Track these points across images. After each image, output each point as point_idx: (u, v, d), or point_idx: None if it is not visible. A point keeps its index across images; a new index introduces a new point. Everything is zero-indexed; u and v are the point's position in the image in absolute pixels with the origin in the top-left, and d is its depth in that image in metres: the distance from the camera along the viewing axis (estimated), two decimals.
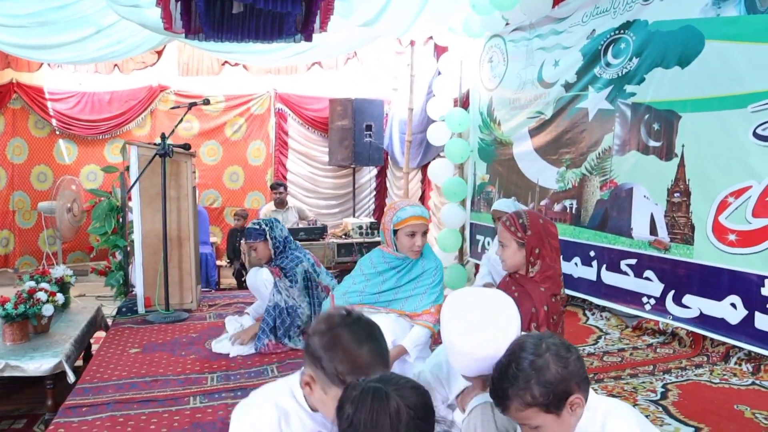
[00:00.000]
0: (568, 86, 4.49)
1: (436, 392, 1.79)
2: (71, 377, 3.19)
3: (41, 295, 3.52)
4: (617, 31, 4.01)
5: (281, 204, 6.79)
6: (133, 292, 4.51)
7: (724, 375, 3.02)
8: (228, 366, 3.20)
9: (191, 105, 4.46)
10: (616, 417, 1.38)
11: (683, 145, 3.51)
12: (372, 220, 6.43)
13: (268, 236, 3.57)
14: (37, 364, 3.07)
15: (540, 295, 2.29)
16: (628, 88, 3.92)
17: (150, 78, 7.06)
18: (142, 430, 2.44)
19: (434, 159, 6.62)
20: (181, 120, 4.41)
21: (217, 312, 4.29)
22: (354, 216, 7.69)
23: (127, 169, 4.62)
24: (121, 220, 4.75)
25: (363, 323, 1.47)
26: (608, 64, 4.10)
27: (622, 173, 4.01)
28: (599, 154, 4.21)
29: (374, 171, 8.09)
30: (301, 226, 6.54)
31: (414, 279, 2.87)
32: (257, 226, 3.60)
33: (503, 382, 1.40)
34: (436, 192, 6.63)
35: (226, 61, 6.31)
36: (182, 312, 4.19)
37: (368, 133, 7.19)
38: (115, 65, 6.24)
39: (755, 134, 3.06)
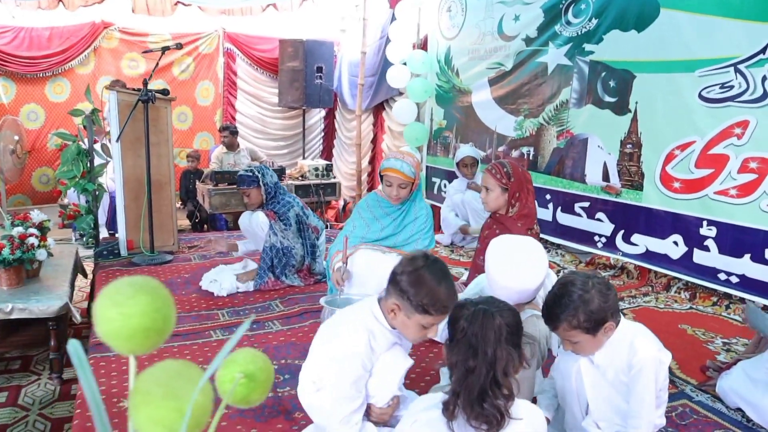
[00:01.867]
0: (528, 41, 4.89)
1: None
2: (78, 317, 3.41)
3: (33, 240, 3.65)
4: None
5: (232, 146, 6.92)
6: (115, 236, 4.65)
7: (667, 302, 3.64)
8: (233, 303, 3.50)
9: (164, 49, 4.51)
10: (641, 335, 1.85)
11: (636, 102, 4.01)
12: (327, 162, 6.70)
13: (260, 182, 3.79)
14: (44, 306, 3.24)
15: (518, 230, 2.86)
16: (587, 47, 4.36)
17: (92, 14, 6.87)
18: (181, 359, 2.73)
19: (384, 101, 6.94)
20: (157, 65, 4.47)
21: (200, 254, 4.52)
22: (303, 157, 7.92)
23: (93, 112, 4.68)
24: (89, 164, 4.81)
25: (439, 265, 1.87)
26: (568, 23, 4.51)
27: (578, 124, 4.50)
28: (557, 106, 4.67)
29: (322, 113, 8.29)
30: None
31: (409, 224, 3.23)
32: (250, 173, 3.80)
33: (556, 308, 1.83)
34: (389, 135, 6.97)
35: (179, 1, 6.26)
36: (166, 254, 4.40)
37: (319, 74, 7.36)
38: (60, 1, 6.06)
39: (701, 96, 3.58)
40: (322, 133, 8.40)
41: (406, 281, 1.82)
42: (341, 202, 7.36)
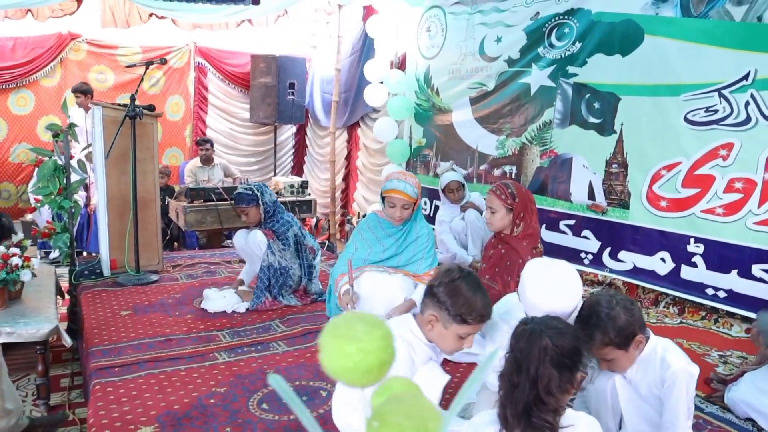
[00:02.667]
0: (511, 62, 5.04)
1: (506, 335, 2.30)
2: (68, 341, 3.32)
3: (16, 261, 3.54)
4: (561, 17, 4.58)
5: (207, 161, 6.86)
6: (95, 255, 4.54)
7: (658, 316, 3.79)
8: (231, 324, 3.47)
9: (148, 64, 4.47)
10: (671, 352, 1.96)
11: (622, 123, 4.18)
12: (302, 179, 6.70)
13: (260, 201, 3.75)
14: (33, 330, 3.15)
15: (524, 249, 2.96)
16: (571, 69, 4.52)
17: (59, 26, 6.73)
18: (191, 383, 2.70)
19: (360, 118, 7.00)
20: (142, 80, 4.40)
21: (186, 273, 4.46)
22: (275, 173, 7.90)
23: (70, 126, 4.58)
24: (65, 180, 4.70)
25: (473, 277, 1.97)
26: (552, 45, 4.67)
27: (561, 144, 4.65)
28: (540, 126, 4.82)
29: (293, 129, 8.29)
30: (227, 185, 6.66)
31: (411, 243, 3.27)
32: (249, 192, 3.76)
33: (586, 328, 1.91)
34: (365, 152, 7.02)
35: (153, 13, 6.19)
36: (151, 273, 4.32)
37: (291, 91, 7.38)
38: (29, 11, 5.92)
39: (686, 119, 3.76)
40: (293, 150, 8.40)
41: (444, 292, 1.91)
42: (314, 220, 7.36)
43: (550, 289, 2.06)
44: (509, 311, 2.28)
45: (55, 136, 4.68)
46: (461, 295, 1.90)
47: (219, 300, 3.70)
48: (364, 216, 4.67)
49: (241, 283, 3.98)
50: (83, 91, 6.29)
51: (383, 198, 3.20)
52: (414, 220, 3.28)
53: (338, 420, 2.11)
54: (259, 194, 3.77)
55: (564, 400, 1.61)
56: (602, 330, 1.90)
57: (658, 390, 1.95)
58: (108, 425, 2.35)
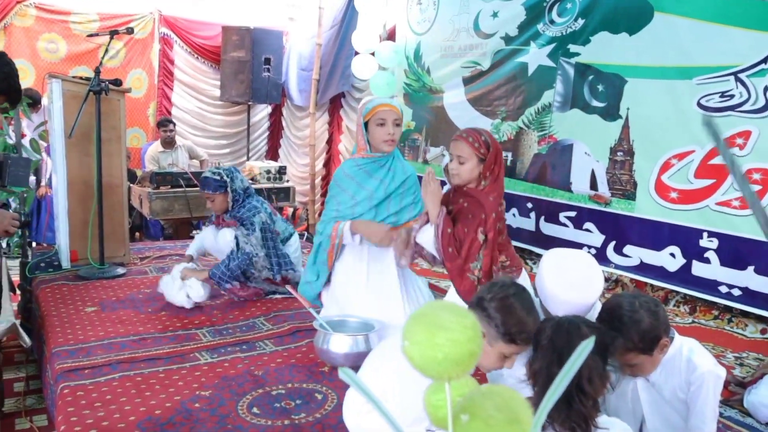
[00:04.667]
0: (507, 39, 5.08)
1: None
2: (27, 341, 3.30)
3: None
4: None
5: (169, 143, 6.81)
6: (50, 246, 4.49)
7: (669, 315, 3.88)
8: (210, 321, 3.47)
9: (112, 33, 4.40)
10: (698, 353, 2.02)
11: (628, 108, 4.24)
12: (279, 164, 6.68)
13: (228, 188, 3.73)
14: None
15: (490, 204, 2.74)
16: (573, 48, 4.58)
17: None
18: (171, 386, 2.70)
19: (342, 98, 7.01)
20: (106, 51, 4.33)
21: (156, 266, 4.44)
22: (248, 158, 7.86)
23: (21, 101, 4.51)
24: None
25: (526, 295, 2.00)
26: (552, 22, 4.72)
27: (562, 129, 4.71)
28: (538, 109, 4.87)
29: (268, 109, 8.26)
30: (194, 169, 6.62)
31: (399, 185, 3.19)
32: (217, 177, 3.72)
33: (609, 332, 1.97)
34: (348, 135, 7.03)
35: None
36: (118, 266, 4.29)
37: (267, 67, 7.34)
38: None
39: (699, 104, 3.84)
40: (268, 132, 8.36)
41: (495, 308, 1.93)
42: (290, 209, 7.35)
43: (571, 278, 2.11)
44: None
45: (4, 111, 4.62)
46: (514, 314, 1.91)
47: (175, 293, 3.63)
48: None
49: (191, 259, 3.96)
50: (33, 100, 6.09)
51: (366, 125, 3.11)
52: (395, 156, 3.21)
53: (350, 422, 2.14)
54: (228, 180, 3.73)
55: (601, 392, 1.67)
56: (625, 335, 1.95)
57: (683, 393, 2.01)
58: None
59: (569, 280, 2.12)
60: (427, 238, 2.85)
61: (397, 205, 3.22)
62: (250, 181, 6.37)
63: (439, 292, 4.01)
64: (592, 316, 2.21)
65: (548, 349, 1.73)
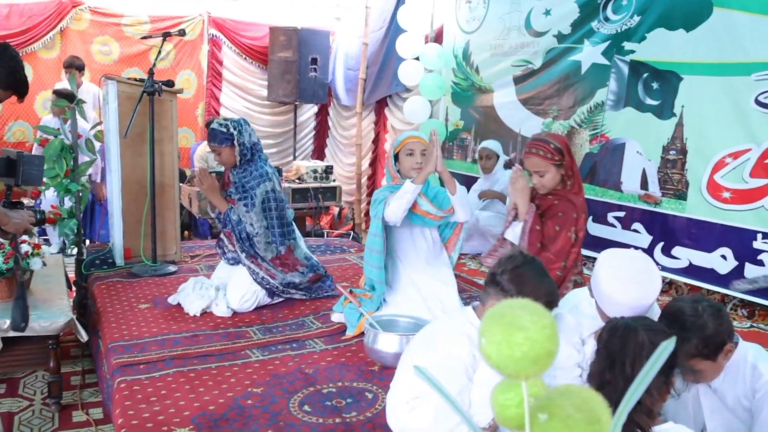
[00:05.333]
0: (560, 37, 5.03)
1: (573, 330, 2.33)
2: (84, 336, 3.39)
3: (26, 248, 3.60)
4: None
5: None
6: (104, 244, 4.61)
7: None
8: (260, 319, 3.53)
9: (165, 35, 4.50)
10: (764, 359, 1.97)
11: (683, 106, 4.16)
12: (326, 164, 6.74)
13: (235, 141, 3.58)
14: (46, 323, 3.22)
15: (581, 203, 2.98)
16: (627, 45, 4.51)
17: None
18: (224, 382, 2.76)
19: (388, 97, 7.02)
20: (159, 53, 4.44)
21: (207, 264, 4.52)
22: (294, 157, 7.94)
23: (78, 103, 4.63)
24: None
25: (537, 263, 2.03)
26: (607, 19, 4.66)
27: (614, 128, 4.65)
28: (591, 108, 4.81)
29: (314, 109, 8.33)
30: None
31: (434, 195, 3.39)
32: (224, 129, 3.58)
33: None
34: (394, 135, 7.04)
35: None
36: (169, 264, 4.38)
37: (314, 67, 7.40)
38: None
39: (757, 101, 3.75)
40: (314, 132, 8.44)
41: (508, 280, 1.97)
42: (336, 209, 7.41)
43: (628, 280, 2.08)
44: (576, 306, 2.31)
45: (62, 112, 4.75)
46: (527, 282, 1.95)
47: (195, 299, 3.60)
48: None
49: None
50: (78, 67, 6.36)
51: (396, 157, 3.35)
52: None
53: (393, 422, 2.15)
54: (235, 132, 3.57)
55: (660, 404, 1.64)
56: (688, 341, 1.91)
57: (747, 401, 1.96)
58: (139, 426, 2.41)
59: (627, 281, 2.09)
60: (514, 233, 3.00)
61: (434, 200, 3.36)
62: (297, 181, 6.47)
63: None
64: (651, 312, 2.18)
65: (602, 354, 1.71)
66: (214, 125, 3.64)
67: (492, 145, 5.35)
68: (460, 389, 1.97)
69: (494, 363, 0.67)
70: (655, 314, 2.14)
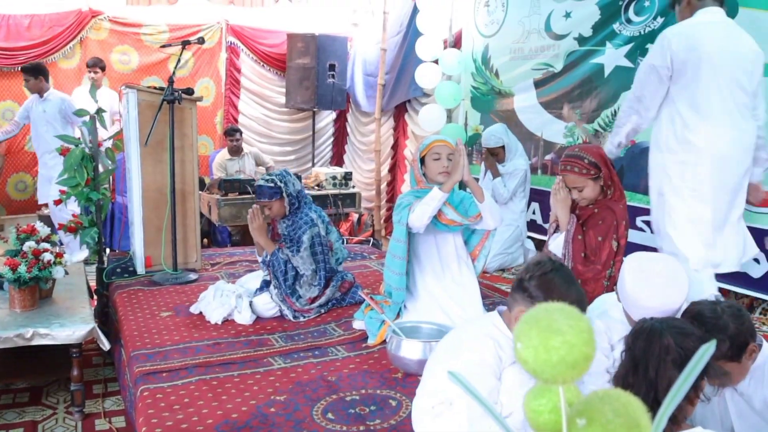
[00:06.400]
0: (581, 40, 5.01)
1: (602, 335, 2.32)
2: (106, 344, 3.42)
3: (49, 257, 3.65)
4: None
5: (236, 151, 6.97)
6: (125, 253, 4.65)
7: (755, 324, 3.75)
8: (283, 327, 3.54)
9: (184, 44, 4.55)
10: None
11: None
12: (345, 170, 6.76)
13: (284, 193, 3.67)
14: (69, 331, 3.27)
15: (620, 211, 3.04)
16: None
17: (79, 2, 6.89)
18: (246, 390, 2.76)
19: (407, 102, 7.03)
20: (178, 61, 4.50)
21: (227, 271, 4.55)
22: (313, 164, 7.98)
23: (98, 112, 4.69)
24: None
25: (565, 270, 2.02)
26: (629, 21, 4.64)
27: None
28: (615, 111, 4.79)
29: (333, 115, 8.36)
30: (260, 176, 6.75)
31: (459, 202, 3.37)
32: (271, 184, 3.66)
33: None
34: (413, 140, 7.05)
35: None
36: (190, 272, 4.42)
37: (331, 73, 7.44)
38: None
39: None
40: (333, 138, 8.47)
41: (536, 286, 1.96)
42: (356, 215, 7.42)
43: (654, 284, 2.07)
44: (606, 312, 2.29)
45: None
46: (555, 288, 1.93)
47: (217, 307, 3.61)
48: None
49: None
50: (102, 67, 6.47)
51: (422, 161, 3.34)
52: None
53: (419, 427, 2.15)
54: (282, 185, 3.66)
55: (687, 411, 1.62)
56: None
57: None
58: None
59: (653, 285, 2.08)
60: (557, 244, 3.06)
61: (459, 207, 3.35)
62: (316, 188, 6.49)
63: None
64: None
65: (627, 357, 1.70)
66: (261, 182, 3.71)
67: (493, 139, 5.29)
68: (489, 391, 1.97)
69: (531, 368, 0.67)
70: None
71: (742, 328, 1.92)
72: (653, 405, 1.59)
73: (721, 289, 4.02)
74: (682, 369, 1.62)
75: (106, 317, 4.27)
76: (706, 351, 0.66)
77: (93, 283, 4.55)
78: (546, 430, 0.81)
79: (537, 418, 0.81)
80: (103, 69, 6.50)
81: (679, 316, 2.18)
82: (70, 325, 3.31)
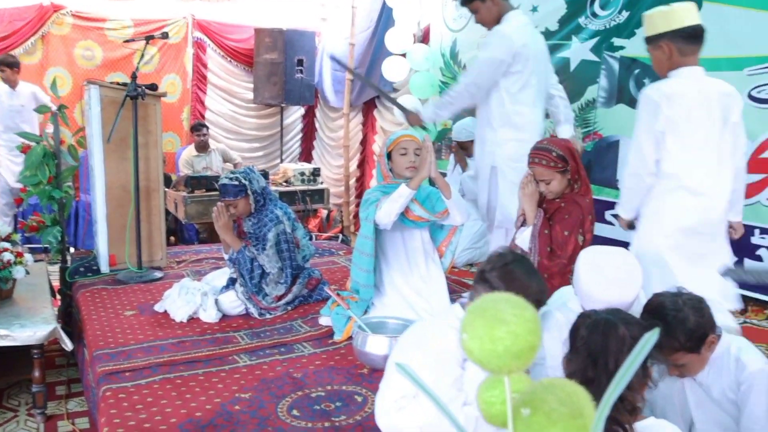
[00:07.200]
0: (548, 34, 5.02)
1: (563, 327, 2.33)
2: (68, 345, 3.37)
3: (9, 256, 3.58)
4: None
5: (203, 147, 6.90)
6: (88, 251, 4.58)
7: (749, 321, 3.81)
8: (249, 324, 3.51)
9: (148, 39, 4.48)
10: (747, 351, 1.98)
11: None
12: (314, 166, 6.73)
13: (249, 191, 3.63)
14: (30, 332, 3.21)
15: (587, 205, 3.07)
16: (617, 41, 4.52)
17: None
18: (211, 388, 2.74)
19: (376, 98, 7.02)
20: (142, 57, 4.42)
21: (193, 269, 4.50)
22: (281, 160, 7.93)
23: (60, 109, 4.61)
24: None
25: (527, 261, 2.06)
26: (595, 15, 4.67)
27: (607, 126, 4.65)
28: (582, 105, 4.82)
29: (301, 111, 8.32)
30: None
31: (426, 197, 3.39)
32: (235, 182, 3.61)
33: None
34: (382, 136, 7.03)
35: None
36: (155, 270, 4.36)
37: (300, 68, 7.39)
38: None
39: (750, 96, 3.77)
40: (301, 134, 8.42)
41: (497, 277, 1.97)
42: (325, 211, 7.39)
43: (607, 277, 2.09)
44: (565, 304, 2.31)
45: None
46: (516, 279, 1.95)
47: (182, 305, 3.57)
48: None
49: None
50: (9, 64, 6.31)
51: (389, 155, 3.34)
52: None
53: (383, 423, 2.14)
54: (247, 183, 3.62)
55: (641, 396, 1.64)
56: (671, 335, 1.92)
57: (733, 393, 1.98)
58: None
59: (606, 278, 2.11)
60: (523, 238, 3.08)
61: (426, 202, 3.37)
62: (285, 184, 6.46)
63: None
64: (635, 313, 2.19)
65: (583, 352, 1.70)
66: (224, 181, 3.65)
67: (464, 132, 5.29)
68: (453, 380, 1.98)
69: (476, 358, 0.66)
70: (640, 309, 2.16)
71: (702, 321, 1.95)
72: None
73: None
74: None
75: (69, 317, 4.20)
76: (648, 340, 0.65)
77: (57, 283, 4.47)
78: (498, 421, 0.80)
79: (489, 410, 0.80)
80: (10, 66, 6.32)
81: (633, 308, 2.21)
82: (31, 326, 3.25)
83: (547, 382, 0.67)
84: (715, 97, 2.89)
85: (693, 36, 2.87)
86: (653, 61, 3.05)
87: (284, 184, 6.59)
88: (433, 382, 1.96)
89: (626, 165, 3.06)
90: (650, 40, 2.96)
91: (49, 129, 4.66)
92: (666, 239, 2.83)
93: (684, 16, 2.88)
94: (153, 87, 4.36)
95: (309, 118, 8.40)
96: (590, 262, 2.19)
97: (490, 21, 3.95)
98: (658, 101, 2.88)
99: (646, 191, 2.97)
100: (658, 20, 2.91)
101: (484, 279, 2.00)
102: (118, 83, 4.40)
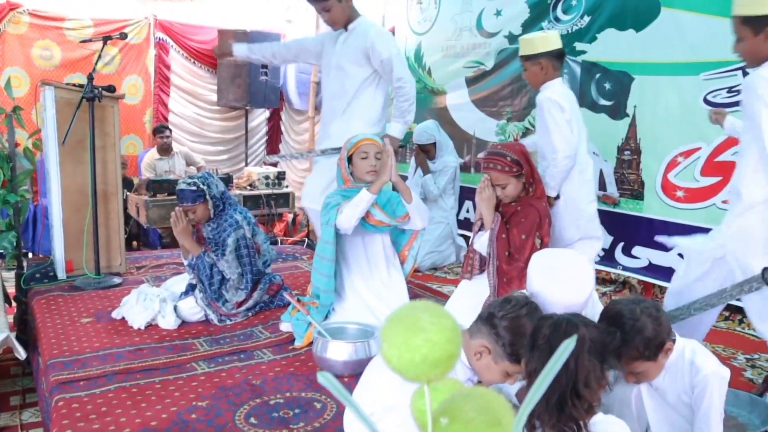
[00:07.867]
0: (511, 38, 5.10)
1: None
2: (22, 353, 3.31)
3: None
4: None
5: (166, 150, 6.85)
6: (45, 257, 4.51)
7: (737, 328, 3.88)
8: (208, 330, 3.48)
9: (106, 39, 4.44)
10: (700, 354, 2.02)
11: (635, 106, 4.26)
12: (278, 169, 6.70)
13: (207, 196, 3.60)
14: None
15: (543, 208, 3.11)
16: (579, 46, 4.59)
17: None
18: (168, 396, 2.71)
19: None
20: (99, 57, 4.36)
21: (153, 275, 4.45)
22: (246, 163, 7.89)
23: (15, 110, 4.53)
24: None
25: (539, 315, 2.00)
26: (557, 19, 4.74)
27: None
28: None
29: (266, 113, 8.28)
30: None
31: (386, 201, 3.36)
32: (194, 188, 3.57)
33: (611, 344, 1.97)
34: None
35: None
36: (114, 276, 4.31)
37: (264, 70, 7.36)
38: None
39: (705, 100, 3.85)
40: (266, 137, 8.38)
41: (506, 327, 1.95)
42: (290, 215, 7.37)
43: (558, 280, 2.12)
44: None
45: None
46: (525, 336, 1.91)
47: (140, 312, 3.52)
48: None
49: None
50: None
51: (349, 159, 3.33)
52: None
53: (350, 428, 2.14)
54: (205, 188, 3.58)
55: (598, 396, 1.67)
56: (629, 344, 1.96)
57: (687, 397, 2.02)
58: None
59: (558, 281, 2.14)
60: (481, 243, 3.11)
61: (387, 207, 3.36)
62: (249, 187, 6.42)
63: (442, 297, 4.01)
64: (592, 316, 2.22)
65: (545, 351, 1.73)
66: (182, 186, 3.60)
67: (425, 135, 5.32)
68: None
69: (395, 367, 0.67)
70: (597, 312, 2.18)
71: (659, 329, 1.98)
72: (572, 394, 1.63)
73: (645, 283, 4.16)
74: (597, 358, 1.66)
75: (25, 325, 4.13)
76: (568, 346, 0.67)
77: (12, 290, 4.39)
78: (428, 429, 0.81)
79: (422, 418, 0.81)
80: None
81: (586, 309, 2.25)
82: None
83: (466, 391, 0.68)
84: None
85: (561, 56, 3.53)
86: (529, 75, 3.60)
87: (248, 187, 6.55)
88: (400, 402, 1.96)
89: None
90: (529, 58, 3.52)
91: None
92: None
93: (556, 40, 3.49)
94: (111, 89, 4.30)
95: (274, 121, 8.37)
96: (542, 264, 2.22)
97: (342, 22, 4.01)
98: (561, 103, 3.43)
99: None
100: (537, 42, 3.49)
101: (492, 324, 1.98)
102: (75, 84, 4.33)
